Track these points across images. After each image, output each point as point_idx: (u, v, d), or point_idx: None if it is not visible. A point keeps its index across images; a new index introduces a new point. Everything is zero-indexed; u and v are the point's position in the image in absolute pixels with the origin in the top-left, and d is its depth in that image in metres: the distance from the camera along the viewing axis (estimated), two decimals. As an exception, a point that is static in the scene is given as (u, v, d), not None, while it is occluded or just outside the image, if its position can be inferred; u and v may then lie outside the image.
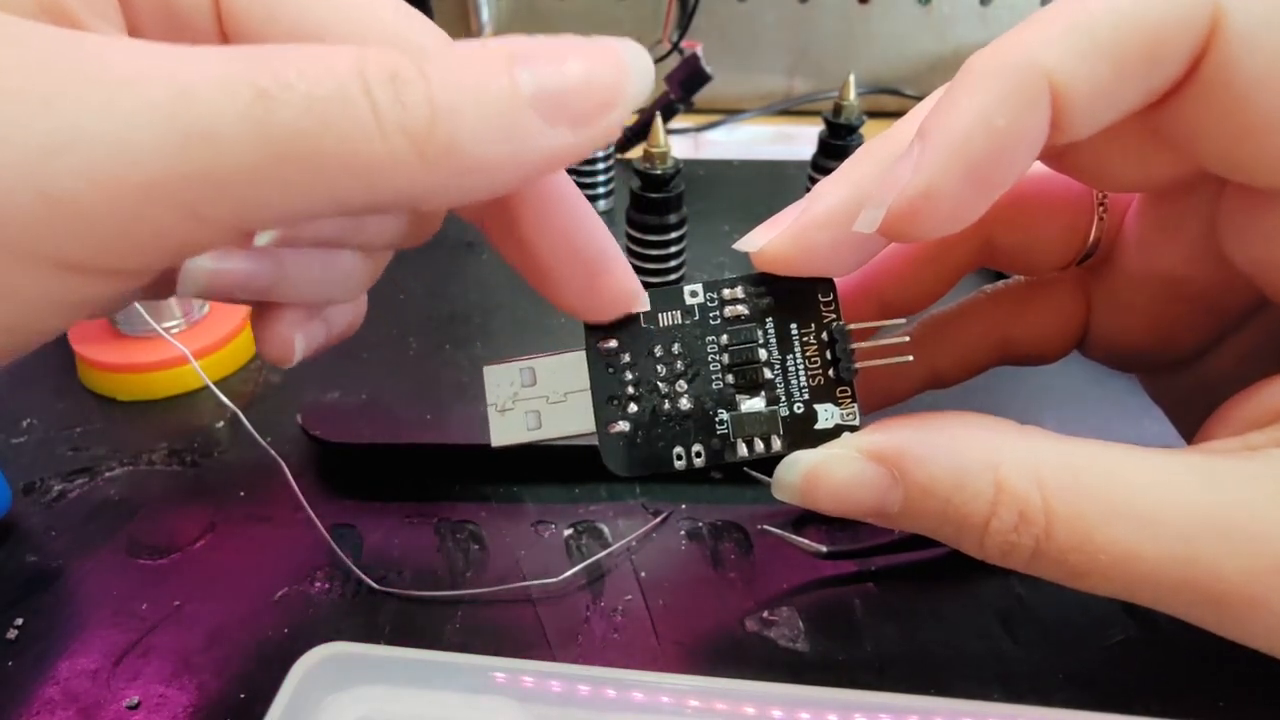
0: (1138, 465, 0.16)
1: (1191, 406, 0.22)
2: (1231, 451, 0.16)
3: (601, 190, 0.45)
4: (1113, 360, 0.23)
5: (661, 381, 0.18)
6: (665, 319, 0.19)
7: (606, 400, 0.18)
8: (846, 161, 0.18)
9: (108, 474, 0.30)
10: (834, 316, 0.18)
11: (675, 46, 0.47)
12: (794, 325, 0.18)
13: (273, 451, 0.28)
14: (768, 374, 0.18)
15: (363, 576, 0.26)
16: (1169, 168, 0.17)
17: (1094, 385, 0.30)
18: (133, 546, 0.27)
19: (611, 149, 0.45)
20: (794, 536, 0.26)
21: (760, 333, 0.18)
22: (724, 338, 0.18)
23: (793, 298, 0.18)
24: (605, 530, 0.28)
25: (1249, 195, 0.17)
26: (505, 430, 0.19)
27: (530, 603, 0.25)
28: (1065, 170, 0.18)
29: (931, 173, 0.15)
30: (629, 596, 0.25)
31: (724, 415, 0.18)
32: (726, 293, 0.19)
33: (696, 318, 0.19)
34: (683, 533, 0.28)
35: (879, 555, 0.26)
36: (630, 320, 0.19)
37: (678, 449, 0.18)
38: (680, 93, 0.49)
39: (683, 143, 0.58)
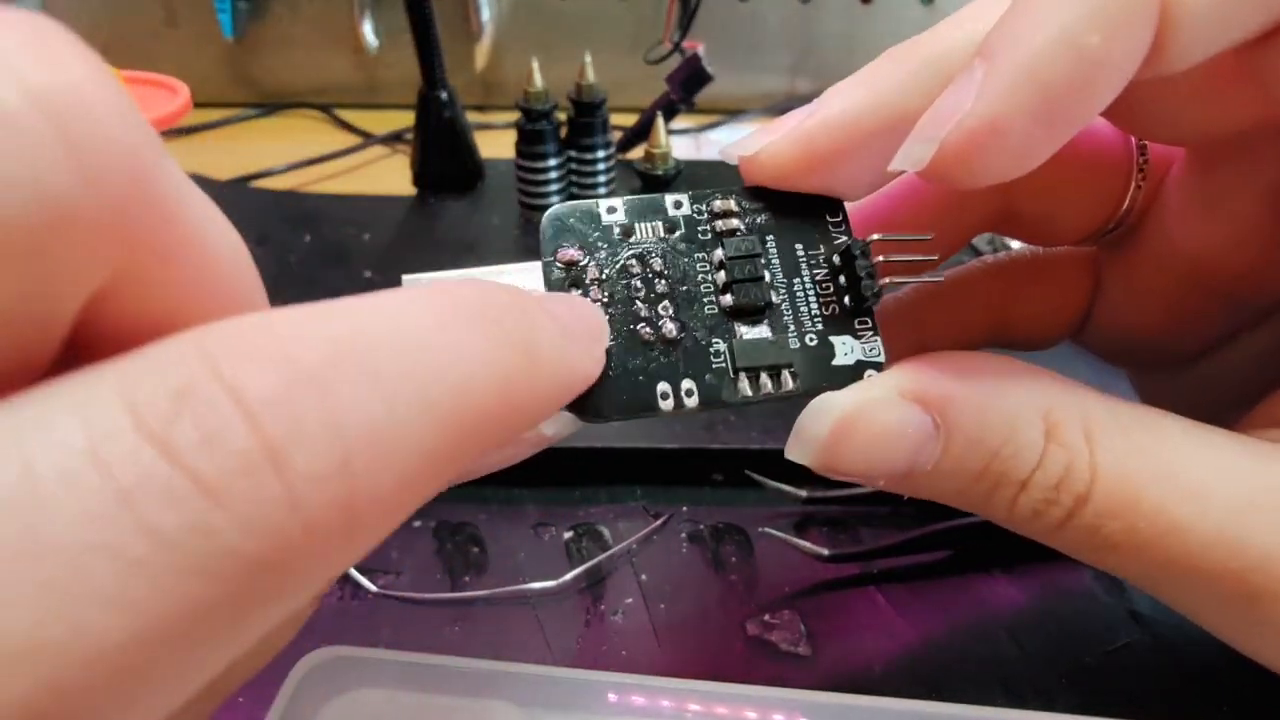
0: (1190, 434, 0.14)
1: (1185, 410, 0.21)
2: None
3: (602, 191, 0.45)
4: (1111, 351, 0.21)
5: (640, 302, 0.15)
6: (643, 230, 0.15)
7: None
8: (866, 67, 0.15)
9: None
10: (846, 237, 0.15)
11: (676, 46, 0.47)
12: (800, 245, 0.15)
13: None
14: (773, 296, 0.15)
15: (361, 579, 0.25)
16: (1248, 115, 0.14)
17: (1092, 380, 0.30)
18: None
19: (612, 148, 0.45)
20: (795, 539, 0.26)
21: (762, 247, 0.15)
22: (718, 252, 0.15)
23: (796, 217, 0.15)
24: (605, 533, 0.27)
25: None
26: None
27: (530, 606, 0.25)
28: (1119, 114, 0.15)
29: (999, 101, 0.12)
30: (629, 599, 0.25)
31: (720, 345, 0.15)
32: (718, 205, 0.16)
33: (683, 230, 0.15)
34: (683, 535, 0.27)
35: (881, 558, 0.26)
36: (599, 230, 0.15)
37: (663, 386, 0.15)
38: (681, 93, 0.48)
39: (684, 143, 0.58)
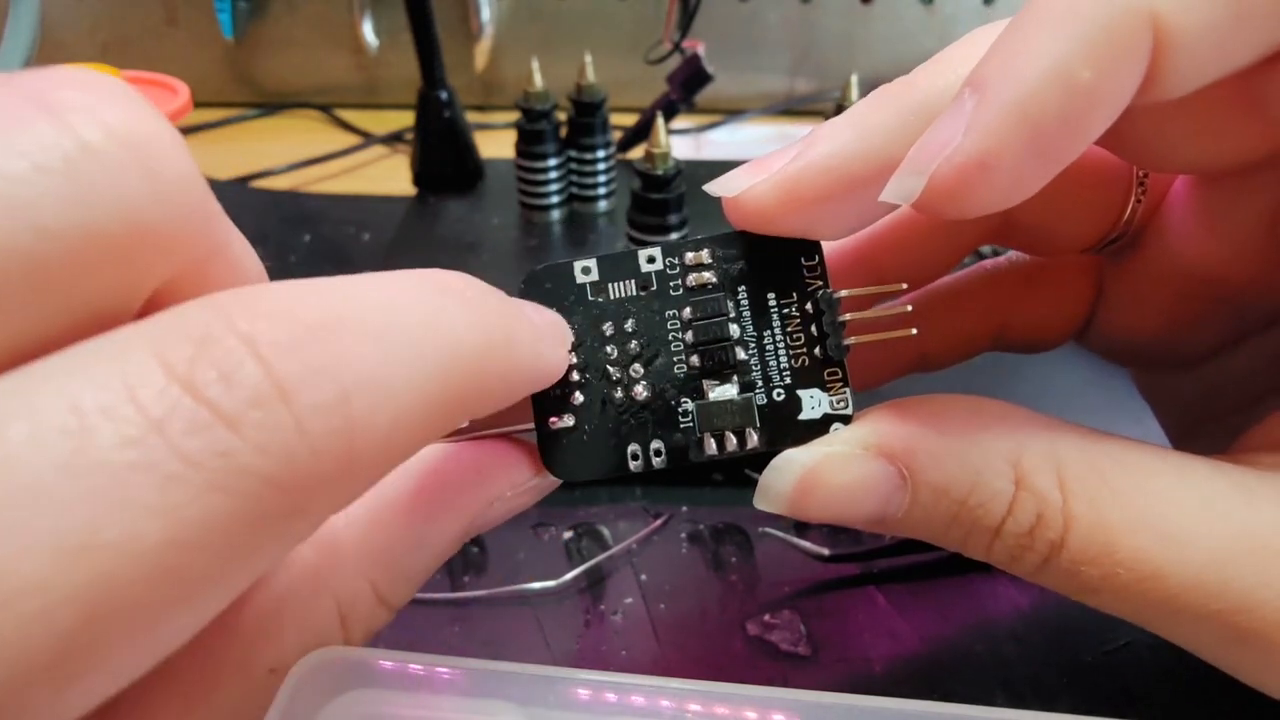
0: (1168, 472, 0.14)
1: (1189, 410, 0.21)
2: (1274, 466, 0.14)
3: (602, 191, 0.45)
4: (1114, 354, 0.21)
5: (613, 365, 0.15)
6: (616, 290, 0.16)
7: (547, 390, 0.15)
8: (855, 105, 0.15)
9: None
10: (821, 284, 0.15)
11: (677, 46, 0.47)
12: (772, 295, 0.15)
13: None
14: (740, 354, 0.15)
15: (361, 579, 0.25)
16: (1248, 146, 0.14)
17: (1094, 381, 0.30)
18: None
19: (612, 148, 0.45)
20: (796, 539, 0.26)
21: (731, 304, 0.15)
22: (687, 311, 0.15)
23: (770, 263, 0.15)
24: (605, 533, 0.27)
25: None
26: None
27: (530, 606, 0.25)
28: (1109, 143, 0.15)
29: (989, 135, 0.12)
30: (629, 599, 0.25)
31: (689, 405, 0.15)
32: (690, 257, 0.16)
33: (655, 288, 0.16)
34: (683, 535, 0.27)
35: (881, 558, 0.26)
36: (574, 291, 0.16)
37: (633, 447, 0.15)
38: (681, 93, 0.48)
39: (684, 143, 0.58)
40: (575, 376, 0.15)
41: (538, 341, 0.14)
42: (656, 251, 0.16)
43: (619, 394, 0.15)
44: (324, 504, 0.10)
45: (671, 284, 0.16)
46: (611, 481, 0.16)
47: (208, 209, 0.11)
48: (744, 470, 0.28)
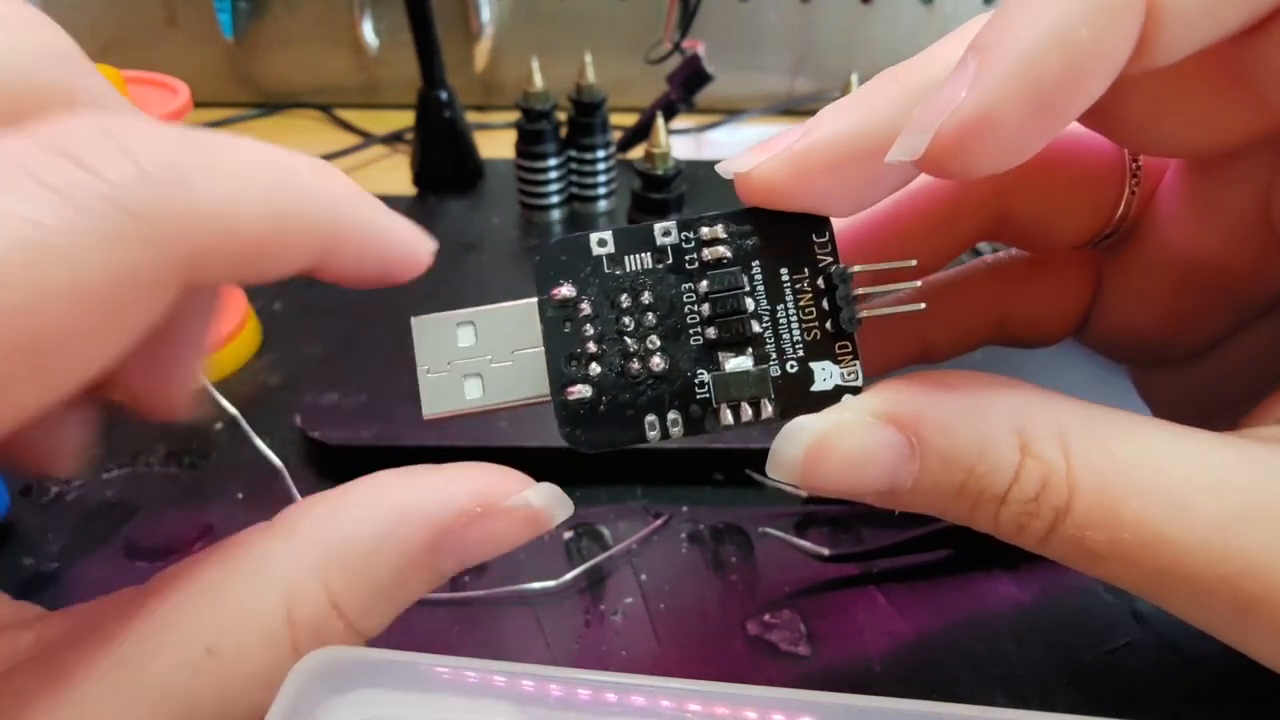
0: (1171, 440, 0.14)
1: (1188, 408, 0.21)
2: (1276, 439, 0.14)
3: (602, 190, 0.45)
4: (1113, 349, 0.21)
5: (630, 337, 0.16)
6: (632, 262, 0.16)
7: (564, 359, 0.16)
8: (860, 88, 0.15)
9: (105, 476, 0.30)
10: (831, 259, 0.16)
11: (677, 46, 0.47)
12: (785, 270, 0.16)
13: (271, 454, 0.28)
14: (755, 326, 0.15)
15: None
16: (1236, 125, 0.15)
17: (1097, 378, 0.30)
18: (130, 549, 0.27)
19: (612, 148, 0.45)
20: (796, 539, 0.26)
21: (746, 278, 0.16)
22: (703, 284, 0.16)
23: (782, 238, 0.16)
24: (605, 533, 0.27)
25: None
26: (439, 397, 0.16)
27: (530, 606, 0.25)
28: (1103, 125, 0.16)
29: (992, 93, 0.12)
30: (629, 599, 0.25)
31: (704, 376, 0.15)
32: (705, 231, 0.16)
33: (670, 261, 0.16)
34: (683, 535, 0.27)
35: (881, 558, 0.26)
36: (590, 263, 0.16)
37: (650, 417, 0.15)
38: (681, 93, 0.48)
39: (684, 143, 0.58)
40: (592, 348, 0.16)
41: (375, 215, 0.15)
42: (672, 225, 0.16)
43: (636, 365, 0.16)
44: (181, 249, 0.12)
45: (687, 257, 0.16)
46: (630, 448, 0.16)
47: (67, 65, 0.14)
48: (745, 470, 0.28)
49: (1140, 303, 0.19)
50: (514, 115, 0.43)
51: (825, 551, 0.25)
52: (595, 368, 0.16)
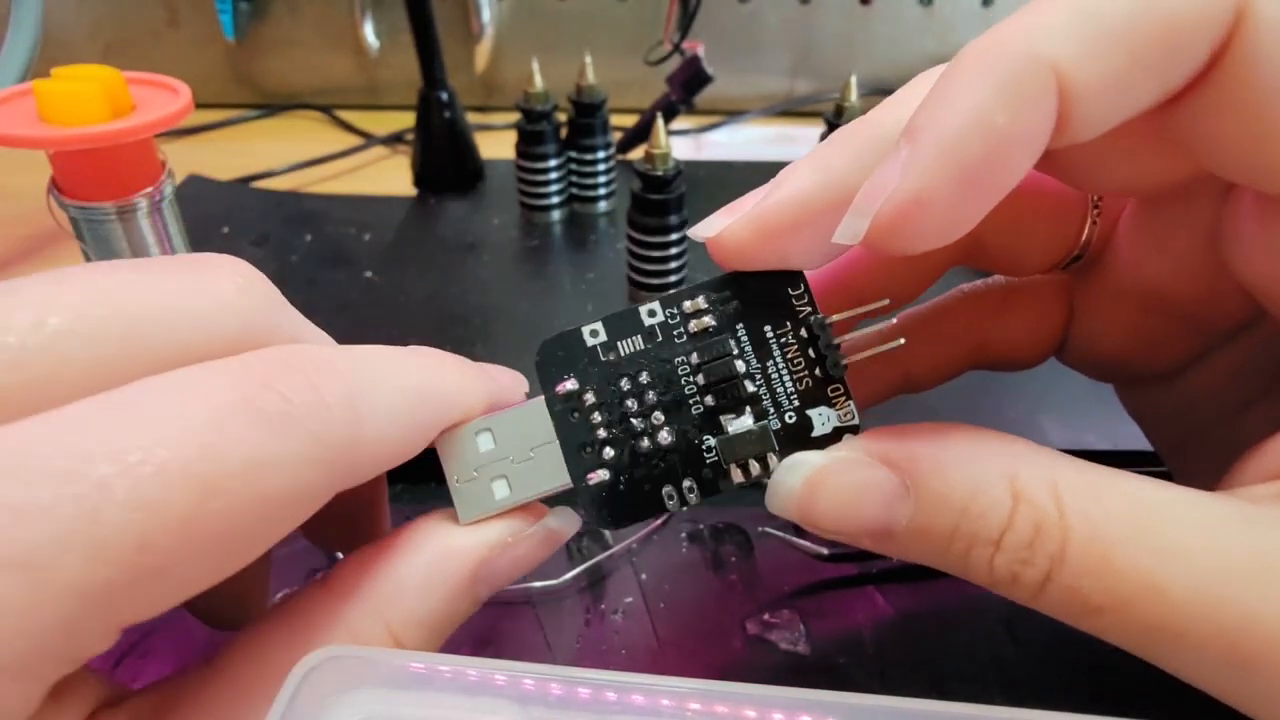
0: (1162, 496, 0.14)
1: (1170, 422, 0.21)
2: (1268, 498, 0.14)
3: (602, 191, 0.45)
4: (1091, 369, 0.22)
5: (635, 417, 0.17)
6: (625, 346, 0.17)
7: (578, 449, 0.17)
8: (818, 146, 0.16)
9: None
10: (810, 310, 0.17)
11: (676, 47, 0.47)
12: (768, 327, 0.17)
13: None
14: (750, 386, 0.16)
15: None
16: (1171, 171, 0.16)
17: (1091, 393, 0.30)
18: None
19: (612, 149, 0.45)
20: (795, 538, 0.26)
21: (733, 343, 0.17)
22: (694, 356, 0.17)
23: (761, 297, 0.17)
24: (605, 532, 0.28)
25: (1261, 204, 0.15)
26: (472, 503, 0.17)
27: (530, 605, 0.25)
28: (1055, 172, 0.17)
29: (922, 177, 0.13)
30: (629, 599, 0.25)
31: (710, 441, 0.16)
32: (688, 305, 0.17)
33: (660, 339, 0.17)
34: (683, 535, 0.27)
35: (880, 558, 0.26)
36: (587, 354, 0.17)
37: (667, 488, 0.16)
38: (681, 94, 0.49)
39: (684, 144, 0.58)
40: (602, 433, 0.17)
41: (470, 379, 0.17)
42: (656, 305, 0.17)
43: (645, 443, 0.17)
44: (344, 468, 0.14)
45: (675, 333, 0.17)
46: (652, 518, 0.18)
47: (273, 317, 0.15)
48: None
49: (1110, 326, 0.20)
50: (514, 116, 0.43)
51: (824, 551, 0.25)
52: (609, 451, 0.17)
